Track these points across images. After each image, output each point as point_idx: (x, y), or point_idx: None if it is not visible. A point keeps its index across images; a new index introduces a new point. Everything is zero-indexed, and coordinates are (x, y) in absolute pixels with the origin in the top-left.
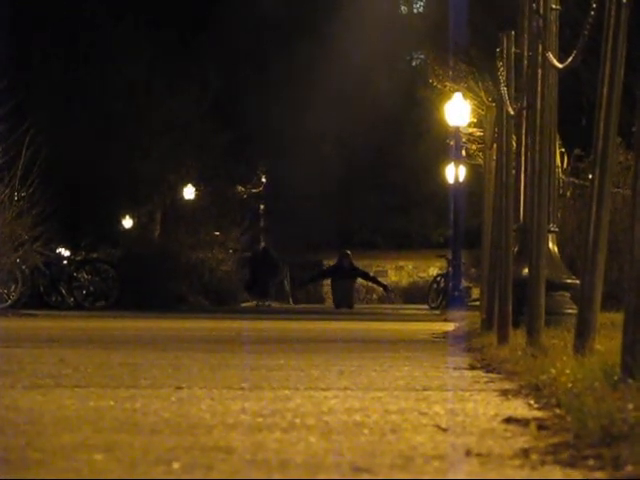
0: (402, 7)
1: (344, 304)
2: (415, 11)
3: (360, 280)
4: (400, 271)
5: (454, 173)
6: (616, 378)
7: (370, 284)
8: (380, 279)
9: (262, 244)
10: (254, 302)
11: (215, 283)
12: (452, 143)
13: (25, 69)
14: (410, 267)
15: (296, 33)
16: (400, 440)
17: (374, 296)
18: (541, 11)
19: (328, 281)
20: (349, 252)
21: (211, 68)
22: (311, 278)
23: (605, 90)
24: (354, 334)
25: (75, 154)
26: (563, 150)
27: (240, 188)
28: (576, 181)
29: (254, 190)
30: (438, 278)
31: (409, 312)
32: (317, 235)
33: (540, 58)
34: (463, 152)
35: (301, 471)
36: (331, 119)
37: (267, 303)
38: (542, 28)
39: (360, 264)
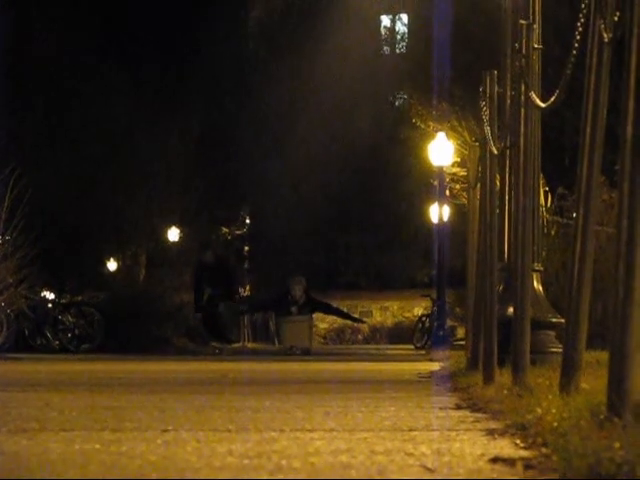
0: (385, 48)
1: (297, 347)
2: (397, 51)
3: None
4: (385, 311)
5: (438, 213)
6: (602, 417)
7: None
8: (354, 315)
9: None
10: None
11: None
12: (436, 183)
13: (8, 113)
14: (395, 307)
15: (279, 74)
16: None
17: (359, 337)
18: (523, 51)
19: None
20: (303, 279)
21: (193, 112)
22: (246, 309)
23: (588, 129)
24: (339, 375)
25: (59, 197)
26: (547, 189)
27: (224, 229)
28: (560, 220)
29: (238, 232)
30: (423, 318)
31: (394, 352)
32: (301, 275)
33: (523, 97)
34: (447, 192)
35: None
36: (314, 159)
37: (217, 347)
38: (524, 67)
39: (345, 305)
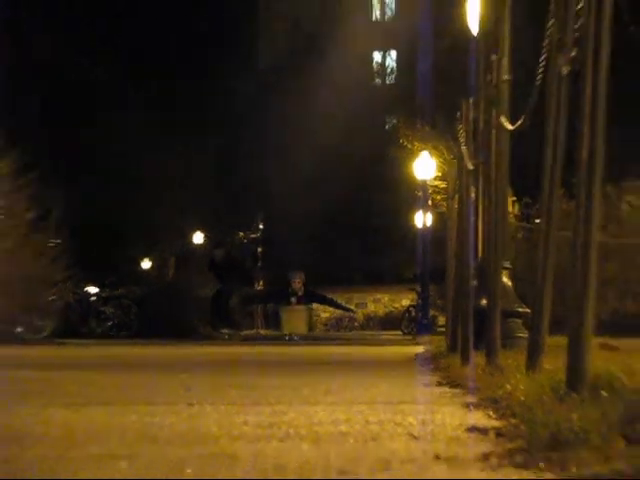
0: (377, 79)
1: (294, 334)
2: (387, 82)
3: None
4: (377, 303)
5: (422, 219)
6: (562, 393)
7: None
8: (348, 305)
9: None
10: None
11: (232, 316)
12: (420, 194)
13: (61, 140)
14: (386, 299)
15: (287, 100)
16: (379, 447)
17: (355, 324)
18: (494, 82)
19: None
20: (302, 273)
21: (214, 137)
22: (252, 300)
23: (549, 150)
24: (338, 357)
25: (101, 209)
26: (514, 199)
27: (241, 234)
28: (525, 225)
29: (253, 235)
30: (410, 308)
31: (385, 337)
32: (307, 274)
33: (494, 121)
34: (429, 201)
35: (295, 475)
36: (317, 175)
37: (227, 334)
38: (495, 96)
39: (343, 297)
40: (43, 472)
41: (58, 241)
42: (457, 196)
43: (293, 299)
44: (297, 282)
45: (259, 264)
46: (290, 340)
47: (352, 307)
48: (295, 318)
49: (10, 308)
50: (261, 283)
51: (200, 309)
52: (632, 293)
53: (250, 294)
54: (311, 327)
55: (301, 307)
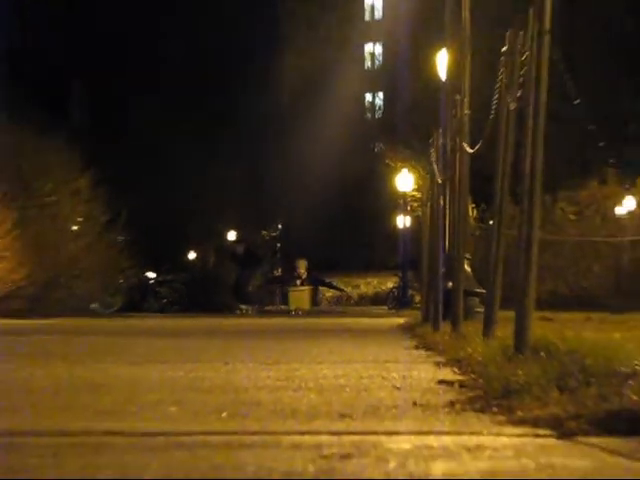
0: (368, 114)
1: (299, 309)
2: (376, 117)
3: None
4: (368, 285)
5: (402, 221)
6: (510, 354)
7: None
8: (342, 286)
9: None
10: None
11: (249, 295)
12: (401, 202)
13: (126, 159)
14: (375, 282)
15: (296, 131)
16: (370, 396)
17: (351, 301)
18: (458, 116)
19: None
20: (305, 261)
21: (244, 157)
22: (266, 282)
23: (500, 167)
24: (338, 326)
25: (158, 212)
26: (473, 205)
27: (264, 232)
28: (482, 226)
29: (273, 234)
30: (393, 289)
31: (374, 311)
32: (315, 263)
33: (458, 146)
34: (408, 208)
35: (305, 417)
36: (322, 188)
37: (244, 309)
38: (459, 127)
39: (343, 281)
40: (116, 412)
41: (125, 238)
42: (429, 203)
43: (298, 282)
44: (301, 268)
45: (278, 255)
46: (295, 314)
47: (348, 288)
48: (299, 297)
49: (87, 289)
50: (279, 270)
51: (231, 290)
52: (563, 278)
53: (268, 278)
54: (317, 303)
55: (305, 288)
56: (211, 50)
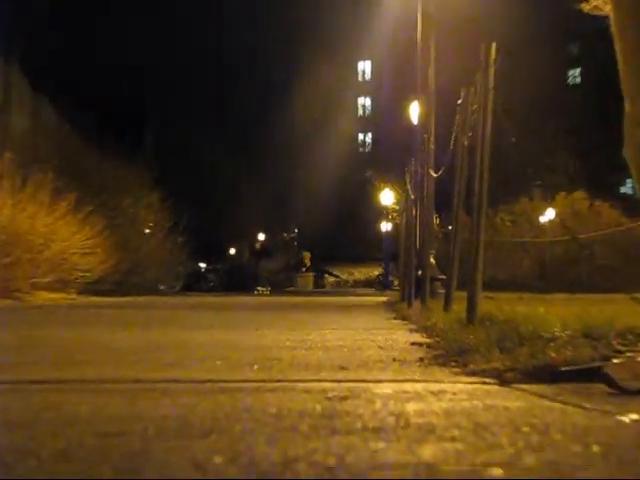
0: (360, 149)
1: (303, 290)
2: (366, 151)
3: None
4: (360, 272)
5: (385, 226)
6: (464, 323)
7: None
8: (339, 274)
9: (259, 242)
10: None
11: (273, 280)
12: (384, 212)
13: (182, 174)
14: (365, 270)
15: (305, 159)
16: (361, 353)
17: (348, 284)
18: (426, 149)
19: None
20: (309, 253)
21: (268, 174)
22: (279, 269)
23: (457, 187)
24: (338, 303)
25: (205, 217)
26: (437, 215)
27: (284, 234)
28: (443, 230)
29: (291, 236)
30: (378, 275)
31: (364, 292)
32: (323, 255)
33: (425, 172)
34: (389, 216)
35: (314, 369)
36: (326, 201)
37: (261, 290)
38: (426, 158)
39: (343, 270)
40: (176, 365)
41: (184, 238)
42: (405, 214)
43: (303, 269)
44: (305, 259)
45: (295, 251)
46: (297, 294)
47: (345, 275)
48: (304, 280)
49: (156, 275)
50: (295, 261)
51: (260, 277)
52: (502, 268)
53: (283, 266)
54: (322, 286)
55: (308, 274)
56: (244, 97)
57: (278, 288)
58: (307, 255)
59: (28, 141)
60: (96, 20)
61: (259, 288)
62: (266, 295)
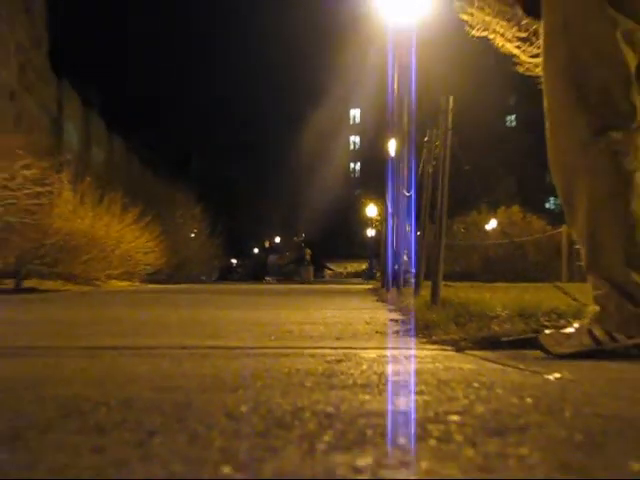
0: (351, 175)
1: (306, 280)
2: (356, 176)
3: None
4: (352, 266)
5: (370, 233)
6: (429, 305)
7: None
8: (333, 267)
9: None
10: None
11: (285, 272)
12: (370, 222)
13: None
14: (355, 265)
15: (307, 182)
16: (352, 327)
17: (342, 275)
18: (401, 175)
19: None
20: (309, 249)
21: (282, 187)
22: (287, 263)
23: (424, 203)
24: (334, 289)
25: (237, 225)
26: (408, 224)
27: (295, 238)
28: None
29: (300, 238)
30: (365, 269)
31: (355, 282)
32: (322, 253)
33: (399, 192)
34: (373, 225)
35: (317, 339)
36: (326, 212)
37: (268, 280)
38: (400, 181)
39: (340, 265)
40: (213, 336)
41: (219, 241)
42: (384, 223)
43: (305, 262)
44: (307, 254)
45: (303, 249)
46: (301, 283)
47: (340, 269)
48: (305, 272)
49: (199, 268)
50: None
51: (262, 269)
52: (457, 263)
53: (288, 261)
54: (323, 277)
55: (309, 267)
56: (265, 137)
57: (286, 279)
58: (308, 252)
59: (103, 169)
60: (160, 75)
61: (267, 278)
62: (273, 284)
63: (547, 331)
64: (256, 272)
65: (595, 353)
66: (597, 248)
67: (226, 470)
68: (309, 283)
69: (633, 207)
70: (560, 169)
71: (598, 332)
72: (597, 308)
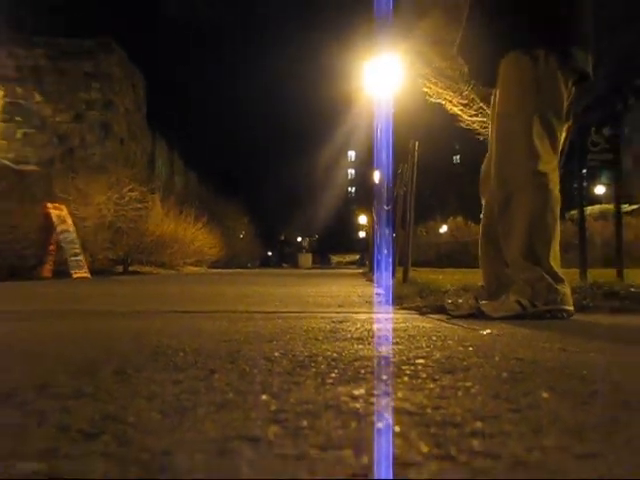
0: (348, 195)
1: (304, 266)
2: (352, 195)
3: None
4: (348, 257)
5: (361, 234)
6: (401, 283)
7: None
8: (334, 258)
9: (282, 237)
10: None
11: (286, 258)
12: (361, 227)
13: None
14: (352, 256)
15: (313, 200)
16: (349, 299)
17: (341, 264)
18: (384, 194)
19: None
20: (308, 239)
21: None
22: (290, 252)
23: (398, 213)
24: (334, 273)
25: (272, 228)
26: (387, 229)
27: (309, 237)
28: (392, 235)
29: (313, 238)
30: (358, 259)
31: (350, 268)
32: (327, 247)
33: (382, 206)
34: (364, 229)
35: (326, 306)
36: (327, 220)
37: (285, 265)
38: (382, 199)
39: (339, 256)
40: (255, 304)
41: (260, 239)
42: (371, 228)
43: (304, 250)
44: (306, 244)
45: (314, 246)
46: (301, 268)
47: (340, 259)
48: (304, 260)
49: (245, 258)
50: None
51: (293, 258)
52: (420, 255)
53: (297, 249)
54: (329, 263)
55: (308, 254)
56: (287, 169)
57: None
58: (306, 240)
59: (182, 192)
60: (219, 127)
61: (284, 264)
62: (288, 268)
63: (484, 301)
64: (279, 260)
65: (520, 316)
66: (532, 245)
67: (264, 398)
68: (317, 269)
69: (556, 220)
70: (502, 184)
71: (523, 301)
72: (521, 283)
